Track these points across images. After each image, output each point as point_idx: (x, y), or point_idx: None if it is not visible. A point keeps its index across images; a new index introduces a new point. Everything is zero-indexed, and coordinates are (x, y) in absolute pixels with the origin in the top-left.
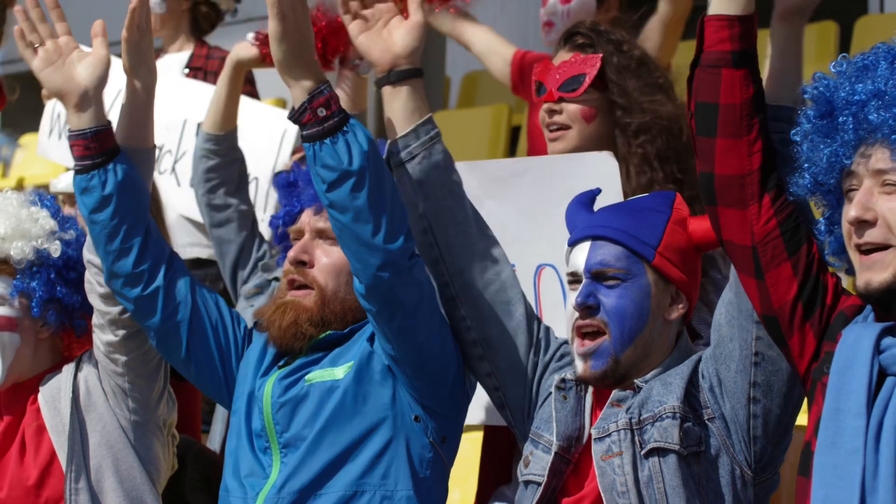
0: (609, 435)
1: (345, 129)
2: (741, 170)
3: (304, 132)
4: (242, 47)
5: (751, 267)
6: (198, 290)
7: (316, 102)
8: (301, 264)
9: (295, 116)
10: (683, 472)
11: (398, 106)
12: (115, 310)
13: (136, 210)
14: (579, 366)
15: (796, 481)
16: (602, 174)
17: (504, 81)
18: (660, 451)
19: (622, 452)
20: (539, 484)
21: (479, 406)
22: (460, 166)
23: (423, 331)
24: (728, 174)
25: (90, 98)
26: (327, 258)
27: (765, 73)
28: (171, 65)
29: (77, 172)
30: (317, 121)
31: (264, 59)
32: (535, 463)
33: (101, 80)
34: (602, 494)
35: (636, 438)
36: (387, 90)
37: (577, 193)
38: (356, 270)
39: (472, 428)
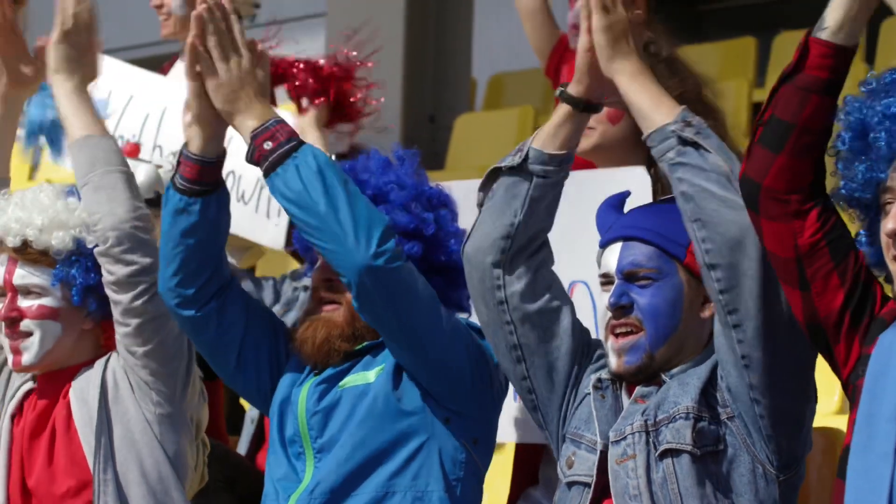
0: (625, 438)
1: (294, 154)
2: (792, 187)
3: (263, 170)
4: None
5: (794, 278)
6: (251, 309)
7: (259, 139)
8: (329, 282)
9: (248, 158)
10: (698, 473)
11: (568, 127)
12: (126, 297)
13: (218, 242)
14: (613, 361)
15: (834, 484)
16: (635, 189)
17: (539, 56)
18: (673, 453)
19: (636, 455)
20: (587, 485)
21: (508, 423)
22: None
23: (424, 335)
24: (777, 189)
25: (226, 126)
26: None
27: None
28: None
29: (180, 191)
30: (265, 154)
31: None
32: (580, 463)
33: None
34: (614, 499)
35: (651, 440)
36: (566, 108)
37: None
38: (347, 284)
39: None
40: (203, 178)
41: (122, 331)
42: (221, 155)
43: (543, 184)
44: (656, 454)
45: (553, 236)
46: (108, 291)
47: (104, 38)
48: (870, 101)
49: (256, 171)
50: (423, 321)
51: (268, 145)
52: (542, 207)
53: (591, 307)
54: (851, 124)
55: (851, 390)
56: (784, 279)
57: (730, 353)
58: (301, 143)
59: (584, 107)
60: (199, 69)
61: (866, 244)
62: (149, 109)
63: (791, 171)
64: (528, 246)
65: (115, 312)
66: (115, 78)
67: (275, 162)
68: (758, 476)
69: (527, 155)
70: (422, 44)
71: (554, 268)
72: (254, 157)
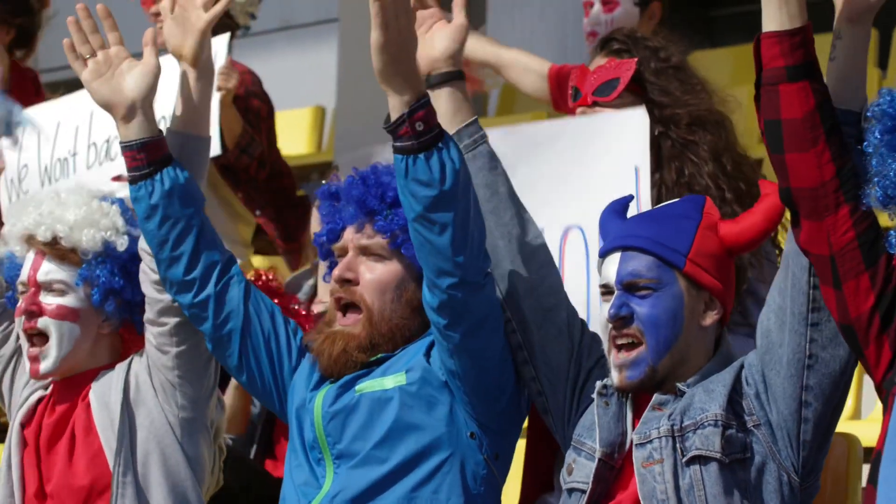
0: (650, 441)
1: (440, 144)
2: (813, 182)
3: (398, 143)
4: None
5: (829, 276)
6: (252, 301)
7: (416, 116)
8: (346, 282)
9: (391, 127)
10: (726, 480)
11: (440, 110)
12: (167, 297)
13: (183, 219)
14: (615, 376)
15: (865, 490)
16: (633, 128)
17: (544, 99)
18: (701, 459)
19: (663, 460)
20: (583, 492)
21: None
22: (495, 134)
23: (486, 348)
24: (802, 186)
25: (137, 109)
26: (371, 274)
27: (827, 76)
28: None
29: (129, 182)
30: (414, 134)
31: None
32: (579, 470)
33: (150, 91)
34: (642, 502)
35: (678, 446)
36: (431, 93)
37: (608, 151)
38: (430, 284)
39: None
40: (137, 161)
41: (157, 330)
42: (151, 135)
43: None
44: (683, 460)
45: (551, 182)
46: (149, 290)
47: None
48: None
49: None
50: (488, 334)
51: (420, 126)
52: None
53: (584, 252)
54: (882, 114)
55: (885, 395)
56: (820, 277)
57: (792, 353)
58: (444, 132)
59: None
60: (381, 17)
61: (895, 245)
62: (77, 122)
63: (804, 164)
64: None
65: (151, 312)
66: (40, 116)
67: (423, 145)
68: (783, 484)
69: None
70: None
71: (550, 213)
72: (399, 131)
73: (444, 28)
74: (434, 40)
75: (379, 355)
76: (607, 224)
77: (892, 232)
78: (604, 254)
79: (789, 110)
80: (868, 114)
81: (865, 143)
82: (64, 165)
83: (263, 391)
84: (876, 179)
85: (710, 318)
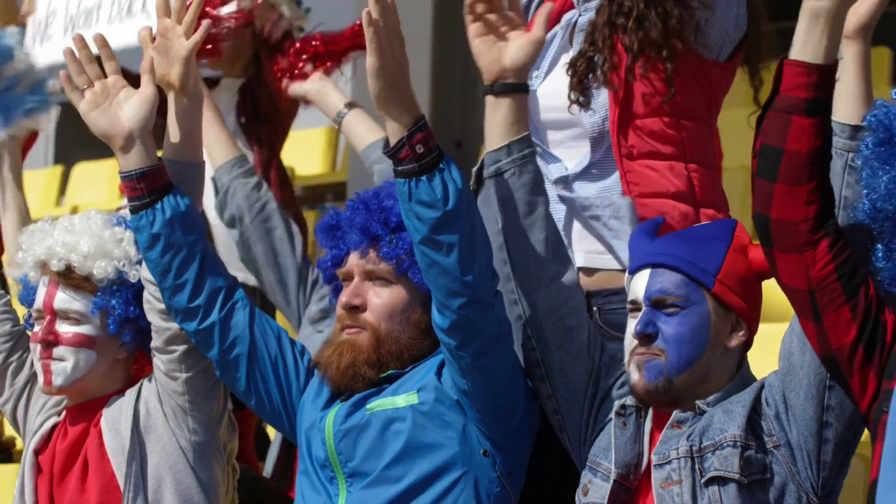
0: (669, 462)
1: (441, 166)
2: (797, 216)
3: (399, 168)
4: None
5: (808, 310)
6: (258, 325)
7: (415, 139)
8: (354, 309)
9: (391, 152)
10: (745, 501)
11: (496, 118)
12: (174, 325)
13: (186, 247)
14: (634, 376)
15: None
16: None
17: None
18: (720, 480)
19: (682, 481)
20: None
21: None
22: None
23: (497, 366)
24: (784, 219)
25: (135, 139)
26: (379, 300)
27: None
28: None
29: (131, 212)
30: (414, 157)
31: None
32: (595, 491)
33: (147, 120)
34: None
35: (696, 466)
36: (489, 100)
37: None
38: (440, 306)
39: None
40: (137, 191)
41: (166, 357)
42: (150, 165)
43: (500, 181)
44: (702, 481)
45: None
46: (155, 318)
47: None
48: None
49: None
50: (499, 353)
51: (420, 148)
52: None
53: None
54: (876, 125)
55: (873, 424)
56: (799, 311)
57: (814, 374)
58: (443, 153)
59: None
60: (376, 43)
61: (882, 259)
62: None
63: (792, 198)
64: None
65: (159, 340)
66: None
67: (424, 167)
68: None
69: (482, 163)
70: (449, 69)
71: None
72: (399, 155)
73: (520, 37)
74: (506, 48)
75: (389, 371)
76: (637, 244)
77: (878, 246)
78: (633, 270)
79: (796, 143)
80: (864, 122)
81: (855, 155)
82: (88, 16)
83: (272, 413)
84: (865, 192)
85: (736, 340)
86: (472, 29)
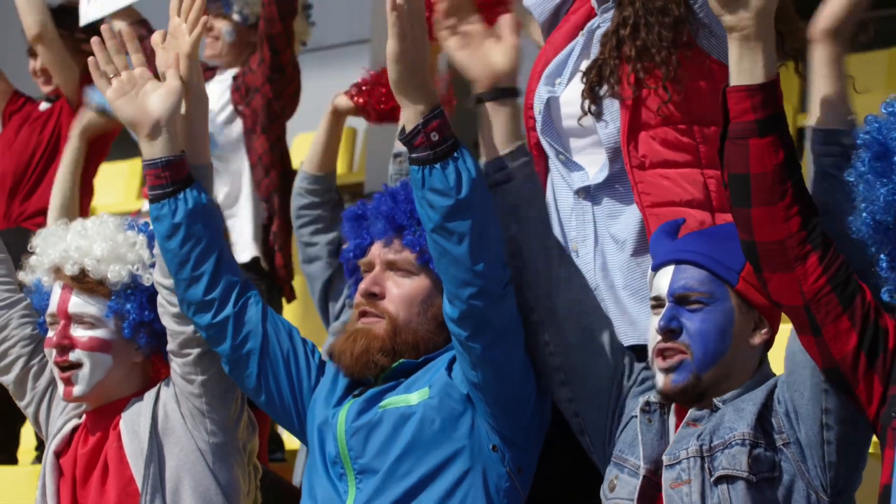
0: (679, 462)
1: (455, 154)
2: (780, 235)
3: (414, 154)
4: (341, 98)
5: (806, 325)
6: (270, 321)
7: (430, 126)
8: (372, 296)
9: (407, 138)
10: (754, 499)
11: (499, 124)
12: (189, 329)
13: (205, 238)
14: (660, 380)
15: None
16: None
17: None
18: (728, 479)
19: (691, 480)
20: None
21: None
22: None
23: (508, 359)
24: (768, 241)
25: (161, 128)
26: (398, 289)
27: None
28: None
29: (150, 201)
30: (429, 145)
31: (359, 110)
32: (622, 487)
33: (174, 110)
34: None
35: (706, 466)
36: (490, 107)
37: None
38: (451, 296)
39: None
40: (161, 180)
41: (181, 360)
42: (175, 154)
43: (508, 187)
44: (711, 480)
45: None
46: (169, 322)
47: None
48: (891, 123)
49: None
50: (509, 345)
51: (435, 136)
52: (532, 212)
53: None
54: (871, 144)
55: (882, 430)
56: (798, 328)
57: (812, 375)
58: (458, 141)
59: (495, 94)
60: (398, 27)
61: (887, 269)
62: None
63: (771, 218)
64: None
65: (174, 344)
66: None
67: (439, 155)
68: (812, 503)
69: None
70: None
71: None
72: (414, 142)
73: (500, 46)
74: (492, 56)
75: (402, 360)
76: (658, 243)
77: (882, 257)
78: (656, 267)
79: (759, 165)
80: (858, 141)
81: (848, 172)
82: None
83: (283, 410)
84: (863, 205)
85: (759, 338)
86: (452, 43)
